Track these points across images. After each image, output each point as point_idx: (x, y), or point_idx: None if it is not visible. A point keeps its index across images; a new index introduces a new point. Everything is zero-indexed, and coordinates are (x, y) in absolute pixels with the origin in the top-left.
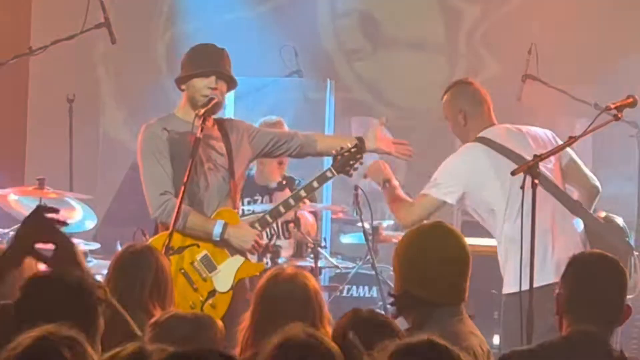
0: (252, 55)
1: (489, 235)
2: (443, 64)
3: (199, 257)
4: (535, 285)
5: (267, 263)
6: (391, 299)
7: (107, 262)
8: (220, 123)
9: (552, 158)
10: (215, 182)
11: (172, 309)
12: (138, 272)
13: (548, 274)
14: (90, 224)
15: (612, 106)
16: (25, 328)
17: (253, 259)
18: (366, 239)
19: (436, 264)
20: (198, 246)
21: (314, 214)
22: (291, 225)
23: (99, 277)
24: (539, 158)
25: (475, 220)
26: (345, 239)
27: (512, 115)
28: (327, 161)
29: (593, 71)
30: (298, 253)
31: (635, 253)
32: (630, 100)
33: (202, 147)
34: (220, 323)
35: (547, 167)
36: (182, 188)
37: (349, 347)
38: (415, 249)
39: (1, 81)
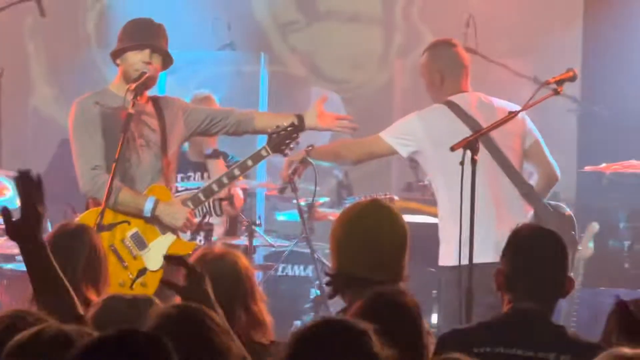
0: (184, 28)
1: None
2: (379, 36)
3: (129, 234)
4: (475, 261)
5: (200, 241)
6: (327, 278)
7: None
8: (155, 100)
9: (513, 136)
10: (147, 159)
11: (106, 289)
12: (72, 253)
13: (489, 251)
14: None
15: (552, 80)
16: None
17: (185, 237)
18: (301, 217)
19: (372, 241)
20: (129, 223)
21: (244, 190)
22: (225, 202)
23: None
24: (478, 133)
25: None
26: (280, 217)
27: None
28: (262, 139)
29: (530, 44)
30: (232, 231)
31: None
32: (571, 74)
33: (135, 123)
34: (159, 303)
35: (507, 145)
36: (114, 165)
37: None
38: (351, 226)
39: None
